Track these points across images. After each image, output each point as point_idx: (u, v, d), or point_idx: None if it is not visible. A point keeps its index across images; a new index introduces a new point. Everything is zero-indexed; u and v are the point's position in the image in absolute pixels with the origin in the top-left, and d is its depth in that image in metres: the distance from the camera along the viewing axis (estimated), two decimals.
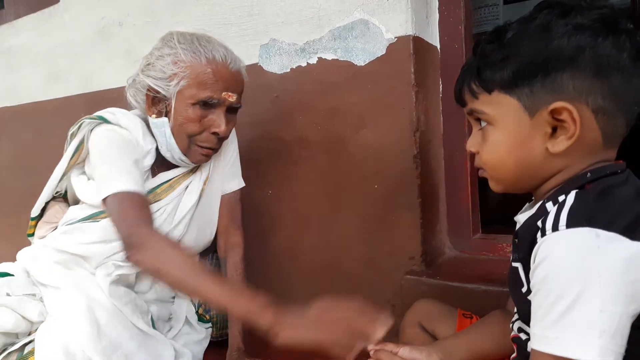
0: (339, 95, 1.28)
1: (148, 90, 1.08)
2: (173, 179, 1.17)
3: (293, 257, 1.41)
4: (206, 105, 1.06)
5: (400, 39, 1.18)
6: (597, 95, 0.57)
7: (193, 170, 1.20)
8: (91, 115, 1.12)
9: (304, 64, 1.34)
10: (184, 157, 1.12)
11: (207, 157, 1.15)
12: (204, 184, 1.21)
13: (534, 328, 0.55)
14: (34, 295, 1.06)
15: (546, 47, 0.58)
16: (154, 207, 1.13)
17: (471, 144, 0.69)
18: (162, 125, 1.09)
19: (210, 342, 1.24)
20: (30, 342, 0.99)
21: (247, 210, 1.42)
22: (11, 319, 1.00)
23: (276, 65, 1.38)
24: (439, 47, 1.30)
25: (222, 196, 1.27)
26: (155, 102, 1.09)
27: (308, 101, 1.34)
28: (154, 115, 1.10)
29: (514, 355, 0.71)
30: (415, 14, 1.19)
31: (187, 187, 1.19)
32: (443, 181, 1.32)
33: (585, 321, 0.50)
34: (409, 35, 1.17)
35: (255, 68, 1.42)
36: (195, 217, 1.20)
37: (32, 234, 1.23)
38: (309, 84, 1.33)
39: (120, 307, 1.04)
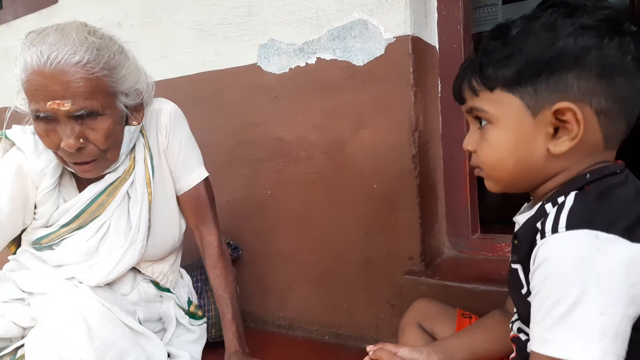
0: (337, 96, 1.28)
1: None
2: (107, 190, 1.06)
3: (292, 257, 1.41)
4: (43, 119, 0.90)
5: (398, 38, 1.18)
6: (600, 97, 0.57)
7: (127, 175, 1.08)
8: (0, 131, 1.05)
9: (302, 64, 1.33)
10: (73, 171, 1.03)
11: (91, 172, 1.00)
12: (149, 187, 1.10)
13: (534, 330, 0.55)
14: (22, 300, 1.06)
15: (552, 46, 0.57)
16: (95, 224, 1.06)
17: (468, 143, 0.68)
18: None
19: (211, 343, 1.24)
20: (22, 345, 0.98)
21: (247, 210, 1.42)
22: (1, 325, 0.99)
23: (275, 66, 1.38)
24: (437, 47, 1.30)
25: (182, 195, 1.17)
26: None
27: (307, 101, 1.34)
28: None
29: (513, 355, 0.71)
30: (414, 13, 1.19)
31: (128, 193, 1.09)
32: (442, 181, 1.32)
33: (586, 323, 0.50)
34: (408, 35, 1.17)
35: (254, 68, 1.42)
36: (152, 227, 1.12)
37: (15, 251, 1.18)
38: (308, 84, 1.33)
39: (108, 306, 1.03)
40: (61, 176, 1.06)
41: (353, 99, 1.26)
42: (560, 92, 0.58)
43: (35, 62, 0.87)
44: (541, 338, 0.53)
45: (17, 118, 1.03)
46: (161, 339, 1.13)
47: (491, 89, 0.62)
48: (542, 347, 0.53)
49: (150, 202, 1.11)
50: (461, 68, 0.67)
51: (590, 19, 0.57)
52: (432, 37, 1.29)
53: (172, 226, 1.18)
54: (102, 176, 1.06)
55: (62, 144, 0.91)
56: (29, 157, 1.01)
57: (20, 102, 0.96)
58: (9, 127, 1.08)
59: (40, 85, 0.87)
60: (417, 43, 1.19)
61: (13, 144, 1.05)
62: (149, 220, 1.11)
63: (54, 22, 2.01)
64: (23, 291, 1.06)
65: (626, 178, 0.60)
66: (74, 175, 1.08)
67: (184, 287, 1.26)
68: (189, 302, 1.24)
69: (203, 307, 1.27)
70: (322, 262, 1.35)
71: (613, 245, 0.52)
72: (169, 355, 1.11)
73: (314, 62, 1.32)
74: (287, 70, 1.36)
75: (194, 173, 1.17)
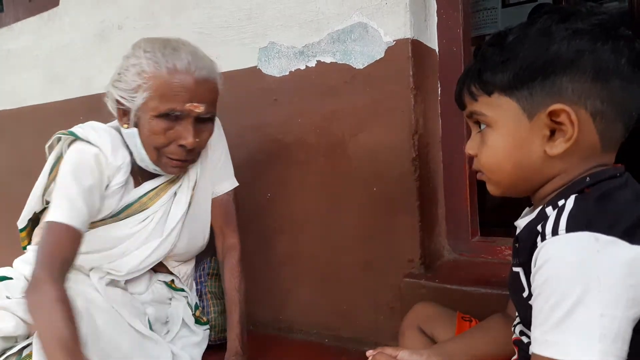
0: (337, 98, 1.29)
1: (117, 101, 1.06)
2: (160, 186, 1.15)
3: (292, 260, 1.41)
4: (170, 117, 1.02)
5: (398, 42, 1.19)
6: (595, 99, 0.58)
7: (180, 177, 1.18)
8: (64, 131, 1.10)
9: (302, 67, 1.34)
10: (157, 168, 1.11)
11: (180, 169, 1.12)
12: (192, 189, 1.19)
13: (535, 332, 0.55)
14: None
15: (546, 51, 0.58)
16: (141, 215, 1.12)
17: (470, 147, 0.70)
18: (132, 136, 1.07)
19: (209, 345, 1.24)
20: (28, 345, 0.99)
21: (246, 213, 1.42)
22: (11, 323, 0.99)
23: (275, 69, 1.39)
24: (437, 50, 1.30)
25: (215, 198, 1.25)
26: (126, 113, 1.06)
27: (307, 104, 1.34)
28: (125, 126, 1.07)
29: (515, 357, 0.71)
30: (414, 17, 1.19)
31: (176, 194, 1.17)
32: (442, 184, 1.32)
33: (586, 325, 0.50)
34: (408, 39, 1.18)
35: (254, 71, 1.42)
36: (186, 225, 1.19)
37: (27, 245, 1.21)
38: (308, 87, 1.33)
39: (117, 309, 1.04)
40: None
41: (353, 102, 1.26)
42: (554, 95, 0.59)
43: (184, 68, 1.00)
44: (542, 340, 0.54)
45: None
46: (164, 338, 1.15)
47: (489, 93, 0.64)
48: (542, 349, 0.53)
49: (190, 204, 1.18)
50: (462, 74, 0.69)
51: (584, 24, 0.58)
52: (432, 41, 1.29)
53: (205, 228, 1.25)
54: (158, 175, 1.15)
55: (183, 142, 1.04)
56: (108, 154, 1.07)
57: (130, 98, 1.02)
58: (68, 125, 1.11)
59: (185, 88, 1.00)
60: (417, 46, 1.20)
61: (74, 140, 1.08)
62: (184, 221, 1.18)
63: (55, 25, 2.03)
64: None
65: (626, 181, 0.61)
66: (131, 173, 1.14)
67: (193, 292, 1.30)
68: (196, 306, 1.26)
69: (203, 309, 1.27)
70: (322, 265, 1.35)
71: (613, 247, 0.52)
72: None
73: (314, 65, 1.32)
74: (287, 73, 1.37)
75: (229, 181, 1.26)
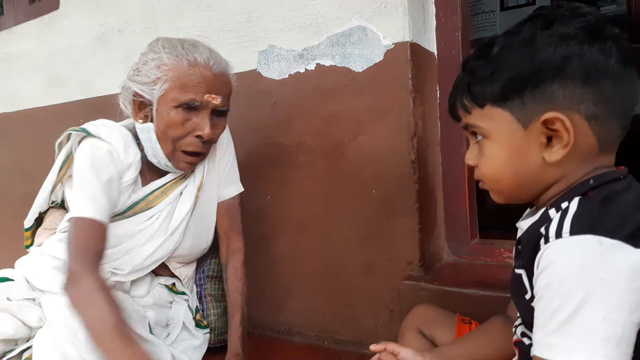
0: (337, 101, 1.29)
1: (134, 95, 1.08)
2: (166, 185, 1.17)
3: (292, 262, 1.41)
4: (189, 108, 1.05)
5: (397, 45, 1.19)
6: (588, 103, 0.58)
7: (186, 176, 1.20)
8: (75, 128, 1.11)
9: (302, 70, 1.34)
10: (169, 163, 1.12)
11: (191, 165, 1.14)
12: (198, 190, 1.21)
13: (536, 334, 0.55)
14: (33, 299, 1.06)
15: (533, 59, 0.58)
16: (147, 214, 1.14)
17: (469, 158, 0.70)
18: (147, 130, 1.09)
19: (208, 348, 1.24)
20: (28, 348, 0.99)
21: (246, 215, 1.42)
22: (12, 325, 0.99)
23: (275, 71, 1.39)
24: (436, 53, 1.31)
25: (221, 202, 1.27)
26: (142, 107, 1.09)
27: (306, 107, 1.34)
28: (140, 121, 1.09)
29: (515, 359, 0.71)
30: (413, 20, 1.20)
31: (182, 193, 1.19)
32: (441, 186, 1.32)
33: (588, 329, 0.50)
34: (407, 42, 1.18)
35: (253, 74, 1.43)
36: (190, 225, 1.20)
37: (30, 245, 1.22)
38: (307, 90, 1.33)
39: None
40: None
41: (352, 105, 1.27)
42: (546, 103, 0.59)
43: (204, 61, 1.05)
44: (544, 342, 0.54)
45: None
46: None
47: (481, 106, 0.64)
48: (544, 352, 0.53)
49: (195, 204, 1.20)
50: (452, 88, 0.69)
51: (568, 28, 0.58)
52: (431, 44, 1.30)
53: (209, 230, 1.26)
54: (165, 173, 1.18)
55: (200, 132, 1.07)
56: (120, 150, 1.10)
57: (149, 90, 1.06)
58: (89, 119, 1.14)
59: (205, 79, 1.05)
60: (415, 49, 1.20)
61: (84, 137, 1.10)
62: (189, 220, 1.19)
63: (55, 28, 2.04)
64: (36, 289, 1.07)
65: (629, 184, 0.61)
66: (140, 172, 1.16)
67: (194, 295, 1.30)
68: (197, 310, 1.27)
69: (202, 312, 1.28)
70: (322, 268, 1.35)
71: (617, 250, 0.52)
72: None
73: (313, 68, 1.32)
74: (286, 76, 1.37)
75: (235, 185, 1.29)
